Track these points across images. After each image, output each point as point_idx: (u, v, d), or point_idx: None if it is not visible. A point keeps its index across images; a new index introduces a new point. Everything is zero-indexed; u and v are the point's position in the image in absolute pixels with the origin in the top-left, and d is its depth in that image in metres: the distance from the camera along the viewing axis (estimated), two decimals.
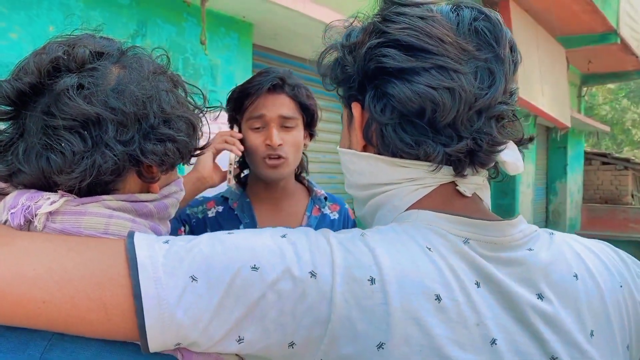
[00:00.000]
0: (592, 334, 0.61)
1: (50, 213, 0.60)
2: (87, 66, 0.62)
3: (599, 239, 0.74)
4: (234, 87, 1.33)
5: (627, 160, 11.01)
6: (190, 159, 0.72)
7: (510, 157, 0.65)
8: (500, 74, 0.62)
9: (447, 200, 0.64)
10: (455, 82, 0.59)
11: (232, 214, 1.35)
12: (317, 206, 1.39)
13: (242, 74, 3.14)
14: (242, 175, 1.41)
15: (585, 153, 10.70)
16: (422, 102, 0.60)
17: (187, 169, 1.20)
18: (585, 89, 9.97)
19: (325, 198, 1.42)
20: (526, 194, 7.60)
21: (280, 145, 1.25)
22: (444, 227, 0.60)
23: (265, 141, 1.26)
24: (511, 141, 0.66)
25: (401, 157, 0.64)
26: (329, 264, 0.54)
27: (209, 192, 1.35)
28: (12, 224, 0.60)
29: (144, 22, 2.62)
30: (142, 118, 0.63)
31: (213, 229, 1.31)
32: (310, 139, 1.38)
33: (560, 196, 9.37)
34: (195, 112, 0.73)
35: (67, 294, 0.52)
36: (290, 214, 1.36)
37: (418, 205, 0.64)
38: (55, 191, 0.61)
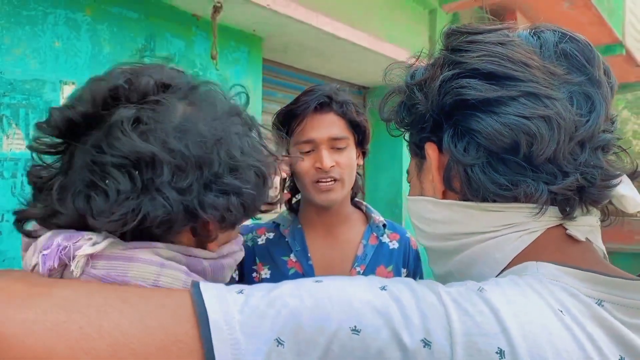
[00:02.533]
0: None
1: (91, 256, 0.49)
2: (150, 98, 0.53)
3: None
4: (281, 108, 1.24)
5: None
6: (255, 214, 0.62)
7: (627, 190, 0.56)
8: (598, 98, 0.54)
9: (559, 248, 0.55)
10: (551, 109, 0.51)
11: (283, 241, 1.25)
12: (375, 234, 1.27)
13: (252, 89, 3.06)
14: (294, 200, 1.32)
15: None
16: (515, 135, 0.51)
17: None
18: None
19: (384, 225, 1.30)
20: None
21: (332, 167, 1.15)
22: (573, 285, 0.49)
23: (315, 164, 1.16)
24: (624, 174, 0.58)
25: (494, 201, 0.55)
26: (445, 330, 0.44)
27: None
28: (43, 268, 0.49)
29: (152, 36, 2.54)
30: (205, 164, 0.53)
31: (262, 258, 1.24)
32: (363, 157, 1.27)
33: None
34: (269, 159, 0.63)
35: None
36: (345, 241, 1.25)
37: (526, 256, 0.54)
38: (98, 231, 0.51)
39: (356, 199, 1.33)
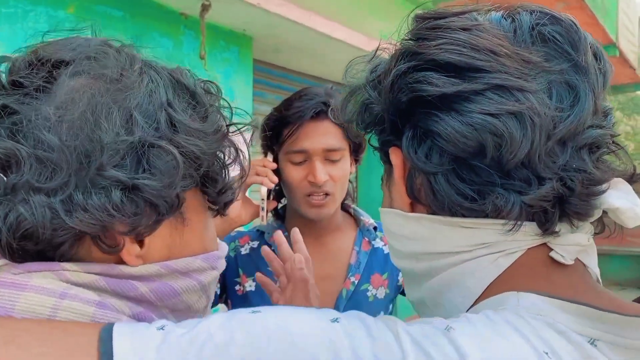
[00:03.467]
0: None
1: None
2: (27, 81, 0.44)
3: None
4: (271, 112, 1.15)
5: None
6: (177, 209, 0.47)
7: (623, 200, 0.46)
8: (584, 87, 0.46)
9: (543, 273, 0.47)
10: (523, 104, 0.43)
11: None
12: (367, 239, 1.19)
13: (242, 90, 2.99)
14: (280, 206, 1.23)
15: None
16: (481, 137, 0.44)
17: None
18: None
19: (375, 228, 1.21)
20: None
21: (326, 180, 1.07)
22: (560, 320, 0.42)
23: (307, 177, 1.07)
24: (620, 179, 0.49)
25: (463, 215, 0.47)
26: None
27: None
28: None
29: (139, 36, 2.45)
30: (89, 154, 0.41)
31: (246, 269, 1.15)
32: (356, 164, 1.19)
33: None
34: (211, 132, 0.49)
35: None
36: (336, 249, 1.16)
37: (504, 283, 0.47)
38: None
39: (344, 203, 1.26)
